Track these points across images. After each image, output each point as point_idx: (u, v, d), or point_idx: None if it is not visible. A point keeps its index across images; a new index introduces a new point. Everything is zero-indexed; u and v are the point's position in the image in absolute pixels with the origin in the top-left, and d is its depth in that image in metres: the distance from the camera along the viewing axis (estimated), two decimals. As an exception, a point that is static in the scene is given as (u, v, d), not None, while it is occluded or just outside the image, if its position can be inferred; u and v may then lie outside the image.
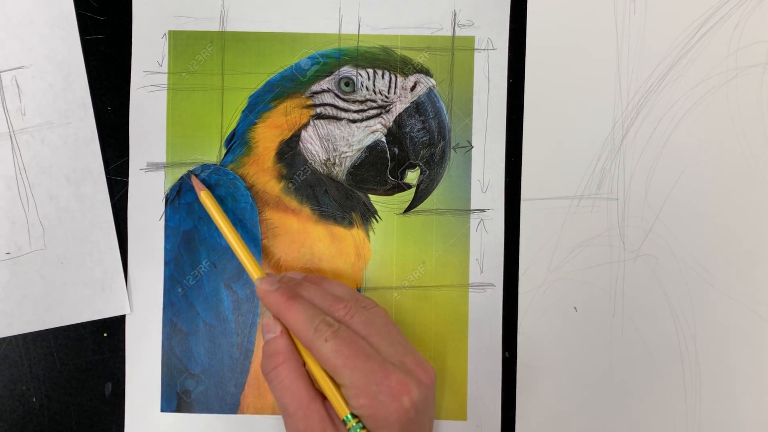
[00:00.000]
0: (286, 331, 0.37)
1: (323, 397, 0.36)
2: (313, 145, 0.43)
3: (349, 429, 0.34)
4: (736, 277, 0.43)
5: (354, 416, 0.35)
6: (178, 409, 0.43)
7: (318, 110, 0.43)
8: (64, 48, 0.42)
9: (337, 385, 0.35)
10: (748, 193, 0.43)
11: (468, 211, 0.43)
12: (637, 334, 0.43)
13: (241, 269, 0.42)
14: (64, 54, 0.42)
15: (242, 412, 0.43)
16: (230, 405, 0.43)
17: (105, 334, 0.42)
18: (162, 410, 0.43)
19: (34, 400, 0.41)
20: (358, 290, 0.43)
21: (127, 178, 0.43)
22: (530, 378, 0.43)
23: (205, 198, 0.41)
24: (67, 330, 0.42)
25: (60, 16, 0.42)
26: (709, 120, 0.43)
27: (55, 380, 0.41)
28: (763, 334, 0.42)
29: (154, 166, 0.43)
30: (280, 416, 0.42)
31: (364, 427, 0.34)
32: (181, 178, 0.43)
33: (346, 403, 0.35)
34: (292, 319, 0.36)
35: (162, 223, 0.43)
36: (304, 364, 0.37)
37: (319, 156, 0.43)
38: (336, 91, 0.43)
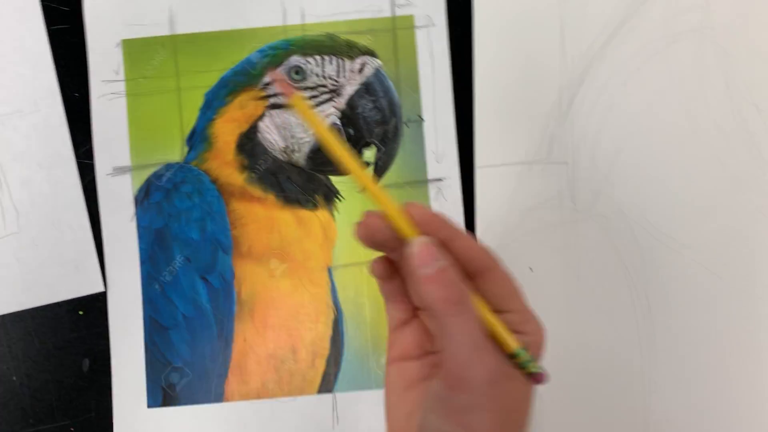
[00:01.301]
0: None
1: None
2: (271, 134, 0.46)
3: (521, 362, 0.30)
4: (684, 232, 0.45)
5: (524, 349, 0.30)
6: (165, 403, 0.45)
7: (272, 100, 0.46)
8: (31, 38, 0.46)
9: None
10: (691, 152, 0.46)
11: (426, 182, 0.46)
12: (591, 291, 0.45)
13: (214, 260, 0.45)
14: (31, 44, 0.46)
15: (227, 400, 0.45)
16: (215, 394, 0.45)
17: (81, 312, 0.45)
18: (149, 406, 0.45)
19: (14, 378, 0.44)
20: (329, 269, 0.45)
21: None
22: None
23: (298, 101, 0.32)
24: (44, 310, 0.44)
25: (25, 7, 0.46)
26: (651, 84, 0.46)
27: (34, 359, 0.44)
28: (712, 287, 0.45)
29: (120, 170, 0.46)
30: (265, 400, 0.45)
31: (534, 359, 0.31)
32: (148, 179, 0.46)
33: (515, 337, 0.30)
34: (466, 238, 0.31)
35: (134, 224, 0.45)
36: None
37: (277, 144, 0.46)
38: (287, 81, 0.46)
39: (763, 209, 0.45)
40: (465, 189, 0.46)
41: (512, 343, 0.31)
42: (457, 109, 0.46)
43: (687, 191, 0.46)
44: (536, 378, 0.32)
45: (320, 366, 0.45)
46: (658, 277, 0.45)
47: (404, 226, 0.30)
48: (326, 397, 0.45)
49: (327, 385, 0.45)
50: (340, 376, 0.45)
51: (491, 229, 0.45)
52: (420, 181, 0.46)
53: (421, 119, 0.46)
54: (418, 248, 0.30)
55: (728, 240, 0.45)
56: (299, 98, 0.32)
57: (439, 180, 0.46)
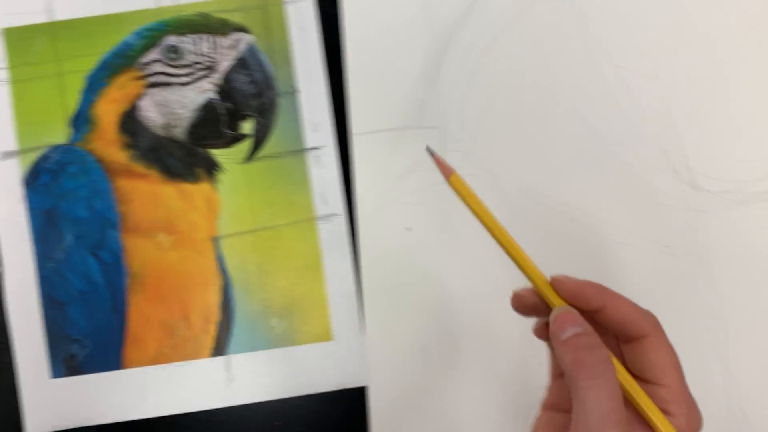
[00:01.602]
0: None
1: None
2: (151, 112, 0.48)
3: None
4: (549, 186, 0.48)
5: None
6: (68, 373, 0.48)
7: (151, 80, 0.48)
8: None
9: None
10: (553, 110, 0.48)
11: (303, 151, 0.48)
12: (467, 247, 0.48)
13: (104, 237, 0.47)
14: None
15: (126, 367, 0.48)
16: (114, 362, 0.48)
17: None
18: (53, 377, 0.47)
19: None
20: (214, 239, 0.48)
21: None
22: (376, 296, 0.48)
23: (456, 182, 0.35)
24: None
25: None
26: (513, 46, 0.48)
27: None
28: (580, 237, 0.48)
29: (7, 155, 0.48)
30: (161, 365, 0.47)
31: None
32: (35, 161, 0.48)
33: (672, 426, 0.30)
34: (623, 305, 0.32)
35: (24, 205, 0.47)
36: None
37: (158, 121, 0.48)
38: (164, 60, 0.48)
39: (622, 158, 0.48)
40: (342, 156, 0.48)
41: (661, 424, 0.30)
42: (331, 79, 0.48)
43: (550, 148, 0.48)
44: None
45: (212, 331, 0.48)
46: (528, 230, 0.48)
47: (551, 296, 0.32)
48: (220, 359, 0.48)
49: (220, 348, 0.48)
50: (232, 339, 0.48)
51: (369, 193, 0.48)
52: (298, 150, 0.48)
53: (295, 90, 0.48)
54: (556, 315, 0.32)
55: (594, 192, 0.48)
56: (458, 178, 0.35)
57: (317, 148, 0.48)
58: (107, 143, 0.48)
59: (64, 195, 0.47)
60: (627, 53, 0.49)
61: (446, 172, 0.36)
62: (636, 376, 0.32)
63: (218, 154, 0.48)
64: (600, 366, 0.30)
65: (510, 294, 0.35)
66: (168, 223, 0.48)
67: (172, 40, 0.48)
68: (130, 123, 0.48)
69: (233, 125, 0.48)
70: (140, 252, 0.47)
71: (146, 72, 0.48)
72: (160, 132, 0.48)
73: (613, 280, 0.47)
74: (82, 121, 0.48)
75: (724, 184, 0.48)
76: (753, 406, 0.47)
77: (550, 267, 0.47)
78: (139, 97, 0.48)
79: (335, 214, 0.48)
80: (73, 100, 0.48)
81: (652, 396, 0.31)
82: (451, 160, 0.47)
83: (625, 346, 0.33)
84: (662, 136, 0.48)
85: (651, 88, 0.49)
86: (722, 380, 0.47)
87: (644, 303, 0.46)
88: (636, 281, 0.48)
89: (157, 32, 0.48)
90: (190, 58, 0.48)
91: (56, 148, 0.48)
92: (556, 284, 0.33)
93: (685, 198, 0.48)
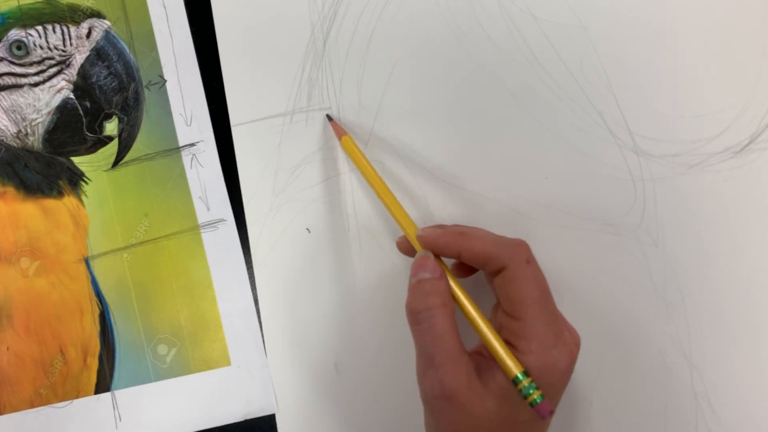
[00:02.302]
0: (446, 276, 0.34)
1: (468, 353, 0.33)
2: (0, 120, 0.42)
3: (520, 389, 0.31)
4: (462, 165, 0.41)
5: (526, 375, 0.31)
6: (-63, 426, 0.42)
7: (-4, 83, 0.42)
8: None
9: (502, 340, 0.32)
10: (462, 76, 0.41)
11: (178, 149, 0.42)
12: (375, 243, 0.41)
13: (-40, 268, 0.41)
14: None
15: (0, 413, 0.42)
16: (-14, 409, 0.42)
17: None
18: None
19: None
20: (86, 260, 0.42)
21: None
22: (277, 310, 0.42)
23: (348, 143, 0.39)
24: None
25: None
26: (411, 6, 0.42)
27: None
28: (506, 223, 0.41)
29: None
30: (40, 408, 0.42)
31: (537, 388, 0.31)
32: None
33: (517, 360, 0.31)
34: (478, 243, 0.33)
35: None
36: (454, 314, 0.33)
37: (9, 130, 0.42)
38: (9, 58, 0.42)
39: (549, 125, 0.41)
40: (224, 152, 0.42)
41: (510, 367, 0.31)
42: (204, 63, 0.42)
43: (466, 122, 0.42)
44: (537, 409, 0.30)
45: (93, 365, 0.42)
46: (444, 213, 0.41)
47: (415, 244, 0.36)
48: (105, 396, 0.42)
49: (104, 383, 0.42)
50: (117, 372, 0.42)
51: (259, 193, 0.42)
52: (171, 150, 0.42)
53: (163, 80, 0.42)
54: (414, 260, 0.35)
55: (519, 169, 0.41)
56: (350, 140, 0.39)
57: (192, 145, 0.42)
58: (-47, 160, 0.42)
59: None
60: (546, 3, 0.42)
61: (339, 133, 0.40)
62: (505, 311, 0.33)
63: (81, 162, 0.42)
64: (425, 312, 0.33)
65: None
66: (31, 247, 0.42)
67: (15, 34, 0.41)
68: (-23, 135, 0.42)
69: (95, 127, 0.42)
70: (3, 282, 0.42)
71: (-10, 74, 0.42)
72: (13, 142, 0.42)
73: (548, 267, 0.41)
74: None
75: (672, 146, 0.41)
76: (719, 395, 0.41)
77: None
78: (-16, 103, 0.42)
79: (221, 220, 0.42)
80: None
81: (511, 331, 0.32)
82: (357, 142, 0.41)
83: (493, 281, 0.34)
84: (594, 95, 0.42)
85: (578, 40, 0.42)
86: (686, 371, 0.41)
87: (589, 291, 0.40)
88: (577, 267, 0.41)
89: (-2, 27, 0.42)
90: (39, 54, 0.41)
91: None
92: (420, 235, 0.35)
93: (627, 166, 0.41)
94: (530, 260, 0.33)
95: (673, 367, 0.41)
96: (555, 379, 0.31)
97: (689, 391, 0.41)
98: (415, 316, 0.33)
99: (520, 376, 0.31)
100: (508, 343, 0.32)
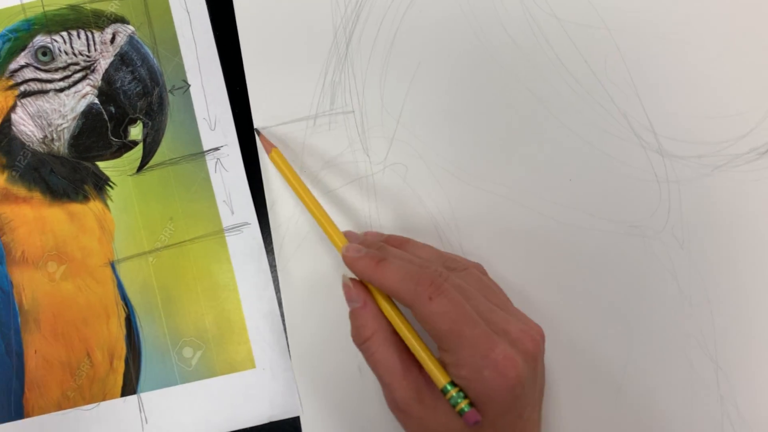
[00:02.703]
0: (371, 298, 0.36)
1: (419, 365, 0.34)
2: (26, 126, 0.42)
3: (449, 398, 0.32)
4: (486, 168, 0.41)
5: (454, 385, 0.33)
6: (-34, 428, 0.43)
7: (22, 88, 0.42)
8: None
9: (430, 353, 0.34)
10: (484, 78, 0.42)
11: (202, 153, 0.42)
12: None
13: (-12, 272, 0.42)
14: None
15: (28, 416, 0.43)
16: (15, 411, 0.43)
17: None
18: (-51, 433, 0.43)
19: None
20: (112, 264, 0.42)
21: None
22: (300, 313, 0.42)
23: (276, 157, 0.40)
24: None
25: None
26: (434, 6, 0.42)
27: None
28: (530, 225, 0.41)
29: None
30: (67, 411, 0.42)
31: (466, 396, 0.32)
32: None
33: (446, 371, 0.33)
34: (387, 280, 0.34)
35: None
36: (395, 331, 0.35)
37: (35, 136, 0.42)
38: (35, 64, 0.42)
39: (574, 127, 0.41)
40: (248, 156, 0.42)
41: (437, 379, 0.33)
42: (228, 67, 0.42)
43: (489, 124, 0.42)
44: (464, 418, 0.32)
45: (120, 367, 0.43)
46: (464, 216, 0.42)
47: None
48: (131, 399, 0.42)
49: (130, 386, 0.42)
50: (143, 375, 0.42)
51: (282, 197, 0.42)
52: (195, 154, 0.42)
53: (186, 84, 0.42)
54: (344, 288, 0.37)
55: (543, 171, 0.42)
56: (279, 153, 0.40)
57: (216, 149, 0.42)
58: (-20, 166, 0.42)
59: (-61, 228, 0.42)
60: (569, 4, 0.42)
61: (267, 147, 0.41)
62: None
63: (106, 166, 0.43)
64: (364, 344, 0.35)
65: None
66: (58, 251, 0.42)
67: (41, 40, 0.42)
68: (4, 140, 0.42)
69: (120, 131, 0.42)
70: (30, 286, 0.42)
71: (16, 80, 0.42)
72: (39, 148, 0.42)
73: (573, 270, 0.41)
74: (-50, 143, 0.43)
75: (697, 147, 0.41)
76: (745, 399, 0.41)
77: (501, 263, 0.41)
78: (11, 109, 0.42)
79: (245, 224, 0.42)
80: (-61, 120, 0.43)
81: (442, 360, 0.33)
82: (374, 146, 0.42)
83: None
84: (619, 96, 0.42)
85: (601, 41, 0.42)
86: (711, 373, 0.41)
87: (614, 293, 0.40)
88: (602, 269, 0.41)
89: (24, 33, 0.42)
90: (64, 60, 0.42)
91: (-75, 177, 0.43)
92: (342, 254, 0.36)
93: (652, 167, 0.41)
94: (434, 295, 0.33)
95: (699, 368, 0.41)
96: (496, 400, 0.32)
97: (715, 392, 0.41)
98: (358, 346, 0.36)
99: (448, 386, 0.32)
100: (446, 370, 0.33)
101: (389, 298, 0.36)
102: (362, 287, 0.36)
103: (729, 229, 0.41)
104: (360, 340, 0.35)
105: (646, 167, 0.41)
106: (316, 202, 0.38)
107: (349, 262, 0.36)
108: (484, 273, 0.38)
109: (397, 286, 0.34)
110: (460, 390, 0.32)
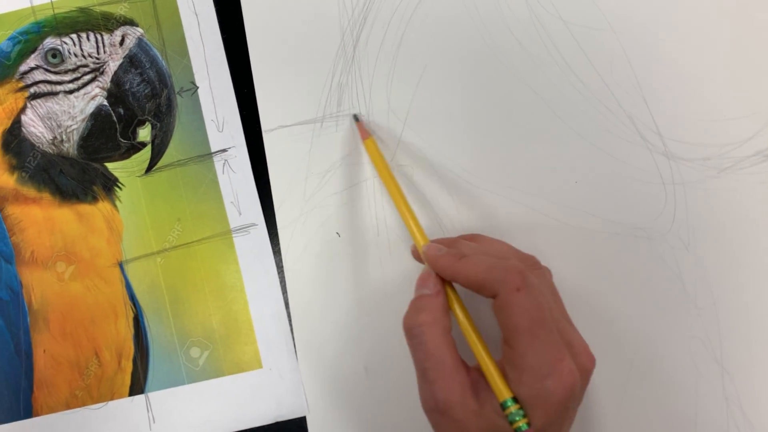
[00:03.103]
0: (444, 292, 0.35)
1: (466, 368, 0.33)
2: (36, 127, 0.43)
3: (507, 414, 0.31)
4: (492, 170, 0.42)
5: (514, 401, 0.31)
6: (-25, 426, 0.43)
7: (32, 90, 0.43)
8: None
9: (495, 361, 0.33)
10: (491, 80, 0.42)
11: (210, 155, 0.43)
12: (405, 246, 0.42)
13: (-2, 272, 0.43)
14: None
15: (37, 414, 0.43)
16: (24, 410, 0.43)
17: None
18: (-41, 432, 0.44)
19: None
20: (120, 264, 0.43)
21: None
22: (307, 313, 0.42)
23: (371, 146, 0.40)
24: None
25: None
26: (441, 10, 0.42)
27: None
28: (536, 226, 0.42)
29: None
30: (76, 410, 0.43)
31: (524, 416, 0.31)
32: None
33: (507, 385, 0.32)
34: (471, 271, 0.33)
35: None
36: (450, 331, 0.34)
37: (45, 137, 0.43)
38: (45, 66, 0.43)
39: (580, 130, 0.42)
40: (255, 157, 0.43)
41: (499, 391, 0.32)
42: (235, 70, 0.43)
43: (495, 126, 0.42)
44: None
45: (127, 367, 0.43)
46: (473, 217, 0.42)
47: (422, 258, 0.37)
48: (139, 398, 0.43)
49: (138, 385, 0.43)
50: (150, 374, 0.43)
51: (290, 198, 0.43)
52: (203, 156, 0.43)
53: (194, 86, 0.43)
54: (419, 276, 0.36)
55: (550, 173, 0.42)
56: (373, 143, 0.40)
57: (224, 151, 0.43)
58: (-9, 167, 0.43)
59: (-51, 229, 0.43)
60: (575, 7, 0.42)
61: (363, 135, 0.41)
62: (503, 337, 0.33)
63: (115, 167, 0.43)
64: (417, 329, 0.33)
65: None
66: (66, 251, 0.43)
67: (51, 42, 0.43)
68: (14, 142, 0.43)
69: (129, 133, 0.43)
70: (39, 286, 0.43)
71: (26, 82, 0.43)
72: (48, 149, 0.43)
73: (578, 271, 0.42)
74: (-39, 144, 0.43)
75: (703, 150, 0.42)
76: (750, 401, 0.41)
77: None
78: (21, 111, 0.43)
79: (253, 225, 0.43)
80: (-50, 122, 0.43)
81: (506, 358, 0.32)
82: (381, 148, 0.42)
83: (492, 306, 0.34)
84: (624, 98, 0.42)
85: (607, 44, 0.42)
86: (717, 375, 0.41)
87: (620, 295, 0.40)
88: (607, 271, 0.41)
89: (34, 35, 0.43)
90: (73, 62, 0.43)
91: (-64, 177, 0.43)
92: (424, 252, 0.36)
93: (658, 170, 0.42)
94: (522, 287, 0.32)
95: (704, 370, 0.41)
96: (549, 411, 0.31)
97: (720, 395, 0.41)
98: (408, 332, 0.34)
99: (509, 401, 0.31)
100: (504, 370, 0.33)
101: (461, 303, 0.35)
102: (441, 280, 0.35)
103: (734, 231, 0.41)
104: (415, 322, 0.34)
105: (652, 169, 0.42)
106: (402, 196, 0.38)
107: (432, 259, 0.35)
108: (551, 277, 0.38)
109: (483, 275, 0.33)
110: (521, 407, 0.31)
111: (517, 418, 0.31)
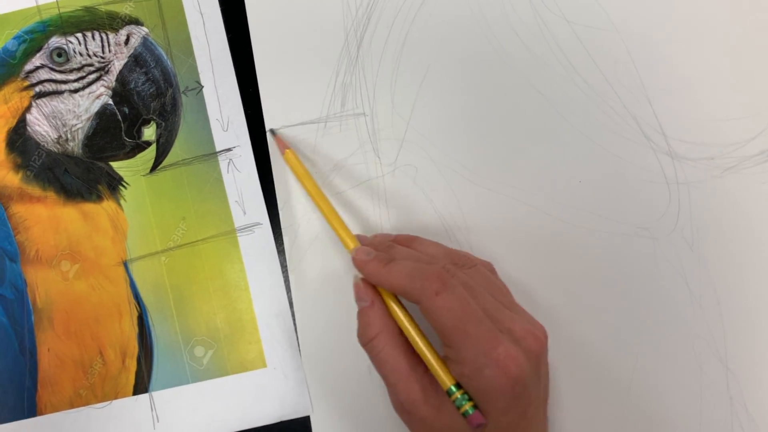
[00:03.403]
0: (379, 298, 0.36)
1: (424, 366, 0.35)
2: (41, 126, 0.43)
3: (454, 400, 0.33)
4: (495, 169, 0.42)
5: (459, 387, 0.33)
6: (-21, 425, 0.44)
7: (37, 89, 0.43)
8: None
9: (436, 353, 0.35)
10: (495, 80, 0.42)
11: (215, 154, 0.43)
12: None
13: (2, 270, 0.43)
14: None
15: (41, 413, 0.43)
16: (27, 409, 0.43)
17: None
18: (-37, 431, 0.44)
19: None
20: (125, 263, 0.43)
21: None
22: (311, 313, 0.43)
23: (290, 157, 0.41)
24: None
25: None
26: (444, 9, 0.42)
27: None
28: (541, 226, 0.42)
29: None
30: (80, 409, 0.43)
31: (470, 399, 0.33)
32: None
33: (449, 373, 0.34)
34: (395, 279, 0.35)
35: None
36: (401, 331, 0.36)
37: (50, 136, 0.43)
38: (50, 65, 0.43)
39: (584, 129, 0.42)
40: (260, 157, 0.43)
41: (442, 380, 0.33)
42: (240, 69, 0.43)
43: (499, 126, 0.42)
44: (468, 420, 0.32)
45: (132, 366, 0.43)
46: (475, 219, 0.42)
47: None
48: (143, 398, 0.43)
49: (142, 384, 0.43)
50: (154, 373, 0.43)
51: (293, 197, 0.43)
52: (208, 155, 0.43)
53: (199, 85, 0.43)
54: (354, 288, 0.37)
55: (554, 173, 0.42)
56: (293, 154, 0.41)
57: (229, 150, 0.43)
58: (-5, 166, 0.43)
59: (-46, 228, 0.43)
60: (579, 7, 0.42)
61: (281, 148, 0.41)
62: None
63: (120, 167, 0.43)
64: (370, 343, 0.35)
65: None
66: (71, 250, 0.43)
67: (56, 41, 0.43)
68: (19, 140, 0.43)
69: (134, 132, 0.43)
70: (44, 285, 0.43)
71: (31, 81, 0.43)
72: (53, 147, 0.43)
73: (582, 271, 0.42)
74: (-34, 143, 0.43)
75: (707, 149, 0.42)
76: (754, 401, 0.41)
77: (510, 264, 0.42)
78: (26, 110, 0.43)
79: (257, 224, 0.43)
80: (-45, 121, 0.43)
81: (446, 356, 0.34)
82: (384, 148, 0.42)
83: None
84: (628, 98, 0.42)
85: (611, 44, 0.42)
86: (721, 375, 0.41)
87: (624, 295, 0.40)
88: (611, 271, 0.42)
89: (39, 34, 0.43)
90: (78, 61, 0.43)
91: (-59, 176, 0.43)
92: (353, 258, 0.37)
93: (662, 169, 0.42)
94: (441, 290, 0.33)
95: (709, 371, 0.41)
96: (497, 398, 0.32)
97: (725, 395, 0.41)
98: (364, 346, 0.36)
99: (453, 388, 0.33)
100: (448, 366, 0.34)
101: (397, 299, 0.36)
102: (371, 287, 0.37)
103: (739, 230, 0.41)
104: (366, 339, 0.36)
105: (656, 169, 0.42)
106: (328, 203, 0.39)
107: (358, 264, 0.36)
108: (493, 271, 0.39)
109: (404, 283, 0.34)
110: (465, 392, 0.33)
111: (464, 403, 0.32)
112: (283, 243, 0.43)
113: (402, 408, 0.35)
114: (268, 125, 0.43)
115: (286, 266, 0.43)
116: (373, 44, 0.42)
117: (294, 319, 0.43)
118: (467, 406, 0.32)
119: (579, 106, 0.42)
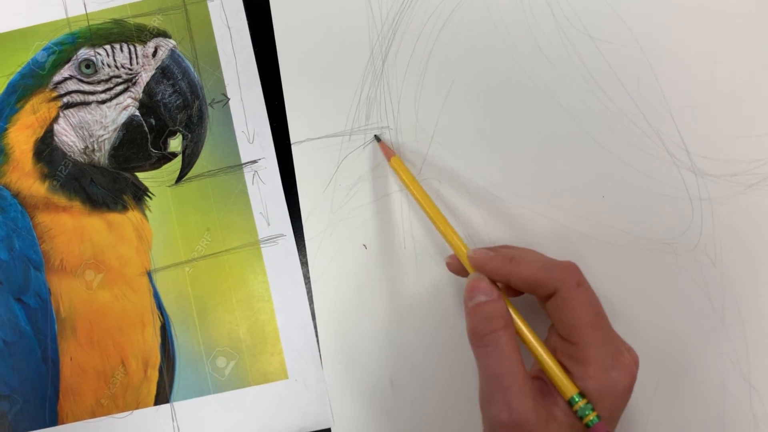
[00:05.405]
0: (504, 297, 0.35)
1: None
2: (68, 136, 0.44)
3: (576, 410, 0.32)
4: (518, 184, 0.43)
5: (581, 396, 0.32)
6: (0, 434, 0.45)
7: (65, 100, 0.44)
8: None
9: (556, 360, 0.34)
10: (518, 95, 0.43)
11: (240, 166, 0.44)
12: (431, 260, 0.43)
13: (27, 279, 0.44)
14: None
15: (62, 422, 0.45)
16: (49, 418, 0.45)
17: None
18: (-16, 439, 0.45)
19: None
20: (149, 273, 0.44)
21: None
22: (333, 325, 0.44)
23: (396, 164, 0.41)
24: None
25: None
26: (469, 26, 0.44)
27: None
28: (563, 241, 0.43)
29: None
30: (101, 418, 0.44)
31: (593, 410, 0.32)
32: (-52, 202, 0.45)
33: (572, 381, 0.33)
34: (525, 271, 0.34)
35: (-61, 251, 0.45)
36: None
37: (76, 146, 0.45)
38: (78, 76, 0.44)
39: (607, 145, 0.43)
40: (284, 169, 0.44)
41: (566, 388, 0.32)
42: (266, 82, 0.44)
43: (522, 141, 0.44)
44: (593, 430, 0.32)
45: (153, 376, 0.44)
46: (500, 231, 0.43)
47: (467, 265, 0.37)
48: (164, 408, 0.44)
49: (163, 395, 0.44)
50: (176, 384, 0.44)
51: (317, 210, 0.44)
52: (233, 166, 0.44)
53: (226, 98, 0.44)
54: (467, 283, 0.36)
55: (576, 188, 0.43)
56: (399, 161, 0.42)
57: (254, 162, 0.44)
58: (23, 175, 0.45)
59: (-20, 236, 0.44)
60: (603, 23, 0.44)
61: (388, 154, 0.42)
62: (560, 335, 0.34)
63: (146, 177, 0.45)
64: (491, 335, 0.33)
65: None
66: (96, 259, 0.44)
67: (84, 53, 0.44)
68: (46, 150, 0.45)
69: (160, 143, 0.44)
70: (68, 294, 0.44)
71: (60, 92, 0.45)
72: (80, 158, 0.45)
73: (605, 286, 0.43)
74: (-6, 152, 0.45)
75: (730, 166, 0.43)
76: (783, 424, 0.42)
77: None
78: (54, 120, 0.45)
79: (281, 235, 0.44)
80: (-17, 130, 0.45)
81: (567, 355, 0.33)
82: (408, 162, 0.44)
83: (545, 305, 0.35)
84: (652, 114, 0.43)
85: (634, 60, 0.44)
86: (745, 393, 0.42)
87: (646, 311, 0.41)
88: (634, 286, 0.43)
89: (68, 46, 0.45)
90: (106, 72, 0.44)
91: (-32, 185, 0.45)
92: (470, 257, 0.37)
93: (684, 185, 0.43)
94: (581, 283, 0.34)
95: (732, 388, 0.42)
96: (615, 401, 0.32)
97: (748, 413, 0.42)
98: (481, 339, 0.34)
99: (576, 397, 0.32)
100: (564, 367, 0.34)
101: (513, 306, 0.36)
102: (494, 283, 0.36)
103: (762, 247, 0.42)
104: (489, 329, 0.33)
105: (679, 185, 0.43)
106: (436, 208, 0.39)
107: (480, 262, 0.36)
108: None
109: (540, 274, 0.34)
110: (588, 402, 0.32)
111: (587, 412, 0.32)
112: (306, 255, 0.44)
113: (509, 417, 0.32)
114: (292, 138, 0.44)
115: (309, 278, 0.44)
116: (398, 59, 0.44)
117: (316, 331, 0.44)
118: (592, 416, 0.32)
119: (602, 122, 0.43)
